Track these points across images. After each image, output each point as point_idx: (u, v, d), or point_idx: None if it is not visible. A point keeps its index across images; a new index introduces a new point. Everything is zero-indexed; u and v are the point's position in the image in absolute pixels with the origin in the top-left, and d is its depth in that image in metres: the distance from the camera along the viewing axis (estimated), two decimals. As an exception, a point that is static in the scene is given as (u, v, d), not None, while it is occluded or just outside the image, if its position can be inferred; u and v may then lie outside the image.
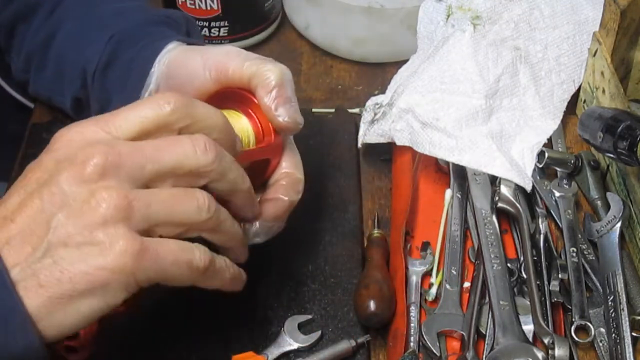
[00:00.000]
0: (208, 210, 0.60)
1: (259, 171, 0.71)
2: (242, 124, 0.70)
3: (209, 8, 0.99)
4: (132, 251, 0.56)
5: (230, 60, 0.70)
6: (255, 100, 0.70)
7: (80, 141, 0.58)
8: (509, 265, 0.76)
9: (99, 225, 0.55)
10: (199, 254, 0.60)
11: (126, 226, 0.56)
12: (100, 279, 0.55)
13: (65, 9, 0.85)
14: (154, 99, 0.61)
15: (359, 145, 0.88)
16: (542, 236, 0.77)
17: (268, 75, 0.69)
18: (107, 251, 0.55)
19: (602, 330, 0.73)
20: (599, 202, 0.83)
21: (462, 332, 0.72)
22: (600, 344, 0.72)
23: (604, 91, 0.85)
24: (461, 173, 0.83)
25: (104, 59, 0.79)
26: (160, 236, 0.59)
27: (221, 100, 0.70)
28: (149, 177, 0.58)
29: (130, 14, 0.82)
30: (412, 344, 0.71)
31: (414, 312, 0.73)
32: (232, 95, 0.71)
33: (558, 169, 0.84)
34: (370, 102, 0.89)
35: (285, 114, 0.69)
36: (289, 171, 0.72)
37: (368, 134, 0.87)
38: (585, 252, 0.78)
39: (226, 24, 1.01)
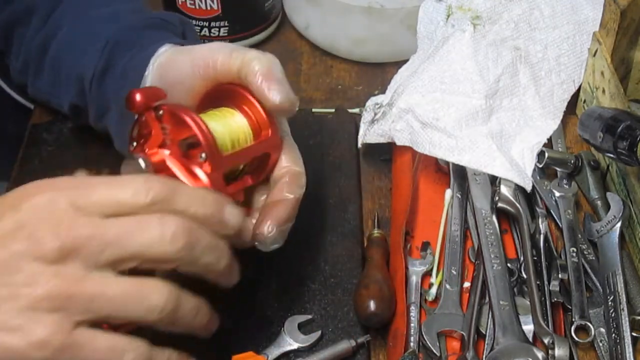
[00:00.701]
0: (161, 311, 0.57)
1: (261, 167, 0.71)
2: (237, 121, 0.69)
3: (209, 8, 0.99)
4: (52, 344, 0.54)
5: (217, 55, 0.69)
6: (249, 96, 0.69)
7: (46, 213, 0.56)
8: (509, 265, 0.76)
9: (26, 309, 0.54)
10: (131, 357, 0.57)
11: (57, 317, 0.54)
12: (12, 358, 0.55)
13: (62, 13, 0.85)
14: (136, 183, 0.58)
15: (359, 145, 0.88)
16: (542, 236, 0.77)
17: (255, 62, 0.68)
18: (23, 339, 0.54)
19: (602, 330, 0.73)
20: (599, 202, 0.83)
21: (462, 332, 0.72)
22: (600, 344, 0.72)
23: (604, 91, 0.85)
24: (461, 173, 0.83)
25: (100, 66, 0.79)
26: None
27: (214, 99, 0.70)
28: (108, 262, 0.56)
29: (125, 18, 0.82)
30: (412, 344, 0.71)
31: (414, 312, 0.73)
32: (225, 93, 0.71)
33: (558, 169, 0.84)
34: (370, 102, 0.89)
35: (277, 94, 0.67)
36: (289, 166, 0.71)
37: (368, 134, 0.87)
38: (585, 252, 0.78)
39: (226, 24, 1.01)
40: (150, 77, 0.75)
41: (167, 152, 0.65)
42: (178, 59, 0.73)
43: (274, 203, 0.69)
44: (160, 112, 0.66)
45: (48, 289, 0.54)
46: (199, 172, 0.65)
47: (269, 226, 0.68)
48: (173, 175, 0.65)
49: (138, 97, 0.64)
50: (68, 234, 0.55)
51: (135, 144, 0.68)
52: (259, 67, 0.68)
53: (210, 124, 0.66)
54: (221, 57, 0.69)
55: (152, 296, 0.57)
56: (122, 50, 0.78)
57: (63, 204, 0.56)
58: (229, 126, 0.69)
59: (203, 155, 0.65)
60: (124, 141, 0.78)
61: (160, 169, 0.65)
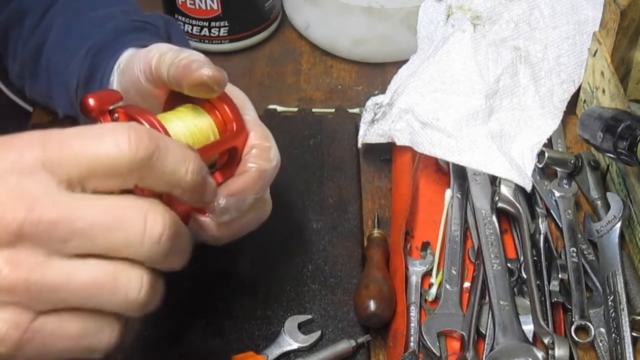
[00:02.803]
0: (136, 300, 0.50)
1: (230, 161, 0.69)
2: (198, 118, 0.67)
3: (209, 8, 0.99)
4: (8, 341, 0.48)
5: (152, 59, 0.67)
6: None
7: (11, 170, 0.48)
8: (509, 265, 0.76)
9: None
10: (107, 338, 0.51)
11: (12, 311, 0.48)
12: None
13: (52, 17, 0.84)
14: (115, 132, 0.50)
15: (359, 145, 0.88)
16: (542, 236, 0.77)
17: (181, 59, 0.64)
18: None
19: (602, 330, 0.73)
20: (599, 202, 0.83)
21: (462, 332, 0.72)
22: (600, 344, 0.72)
23: (604, 91, 0.85)
24: (461, 173, 0.83)
25: (83, 76, 0.78)
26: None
27: (185, 97, 0.68)
28: (74, 251, 0.49)
29: (108, 23, 0.80)
30: (412, 344, 0.71)
31: (414, 312, 0.73)
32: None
33: (558, 169, 0.84)
34: (370, 102, 0.89)
35: (207, 70, 0.63)
36: (256, 142, 0.67)
37: (368, 134, 0.87)
38: (585, 252, 0.78)
39: (226, 24, 1.01)
40: (115, 83, 0.73)
41: None
42: (131, 63, 0.70)
43: (234, 176, 0.66)
44: (116, 115, 0.62)
45: (1, 278, 0.47)
46: None
47: (218, 197, 0.63)
48: None
49: (91, 102, 0.60)
50: (30, 214, 0.47)
51: None
52: (180, 62, 0.64)
53: (168, 124, 0.64)
54: (154, 63, 0.67)
55: (129, 286, 0.50)
56: (101, 58, 0.77)
57: (33, 164, 0.48)
58: (189, 124, 0.66)
59: None
60: None
61: None
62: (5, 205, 0.47)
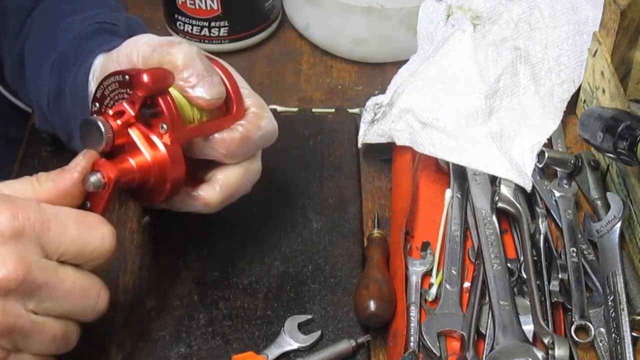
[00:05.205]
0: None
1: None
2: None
3: (209, 8, 0.99)
4: None
5: (138, 55, 0.69)
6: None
7: (10, 236, 0.59)
8: (509, 265, 0.76)
9: None
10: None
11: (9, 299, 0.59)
12: None
13: (32, 21, 0.83)
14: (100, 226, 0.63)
15: (359, 145, 0.88)
16: (542, 236, 0.77)
17: (173, 60, 0.67)
18: None
19: (602, 330, 0.73)
20: (599, 202, 0.83)
21: (462, 332, 0.72)
22: (600, 344, 0.72)
23: (604, 91, 0.85)
24: (461, 173, 0.83)
25: (52, 93, 0.78)
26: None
27: None
28: (44, 311, 0.61)
29: (70, 31, 0.80)
30: (412, 344, 0.71)
31: (414, 312, 0.73)
32: None
33: (558, 169, 0.84)
34: (370, 102, 0.89)
35: (203, 92, 0.68)
36: (253, 110, 0.72)
37: (368, 134, 0.87)
38: (585, 252, 0.78)
39: (226, 24, 1.01)
40: (94, 91, 0.73)
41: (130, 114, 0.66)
42: (109, 66, 0.71)
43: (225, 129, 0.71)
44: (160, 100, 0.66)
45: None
46: (158, 142, 0.66)
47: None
48: (131, 142, 0.66)
49: (145, 78, 0.65)
50: (28, 274, 0.59)
51: (97, 105, 0.68)
52: (177, 66, 0.67)
53: (176, 96, 0.67)
54: (141, 56, 0.69)
55: (73, 338, 0.64)
56: (66, 68, 0.77)
57: (31, 233, 0.59)
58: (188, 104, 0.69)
59: (164, 126, 0.66)
60: None
61: (121, 134, 0.66)
62: (5, 263, 0.58)
